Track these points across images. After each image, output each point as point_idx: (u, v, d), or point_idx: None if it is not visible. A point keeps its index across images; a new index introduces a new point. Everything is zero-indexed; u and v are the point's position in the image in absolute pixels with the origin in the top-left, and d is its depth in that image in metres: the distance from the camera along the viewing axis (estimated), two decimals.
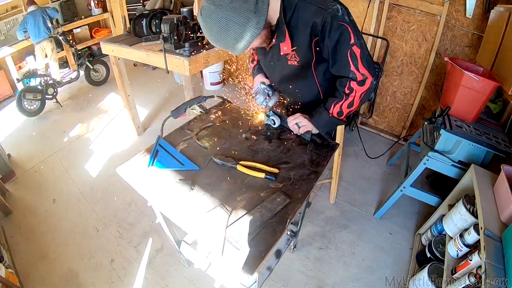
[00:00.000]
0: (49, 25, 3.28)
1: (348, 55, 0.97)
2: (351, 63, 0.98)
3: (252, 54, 1.37)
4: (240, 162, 1.03)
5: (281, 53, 1.07)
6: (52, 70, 3.55)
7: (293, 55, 1.06)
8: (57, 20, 3.57)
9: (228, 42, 0.90)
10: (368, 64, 0.99)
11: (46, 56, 3.47)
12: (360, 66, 0.98)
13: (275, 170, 1.02)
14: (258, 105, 1.26)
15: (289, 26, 1.00)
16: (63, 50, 4.07)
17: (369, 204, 2.12)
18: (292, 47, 1.03)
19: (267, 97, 1.23)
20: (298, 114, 1.18)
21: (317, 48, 1.02)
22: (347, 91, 1.03)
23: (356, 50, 0.96)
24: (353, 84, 1.01)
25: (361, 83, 1.01)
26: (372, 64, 1.01)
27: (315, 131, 1.17)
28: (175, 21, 1.61)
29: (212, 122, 1.28)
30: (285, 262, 1.72)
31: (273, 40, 1.05)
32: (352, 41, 0.95)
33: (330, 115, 1.09)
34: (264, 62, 1.22)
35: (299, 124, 1.17)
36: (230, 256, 0.78)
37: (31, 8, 3.21)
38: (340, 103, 1.06)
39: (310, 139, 1.18)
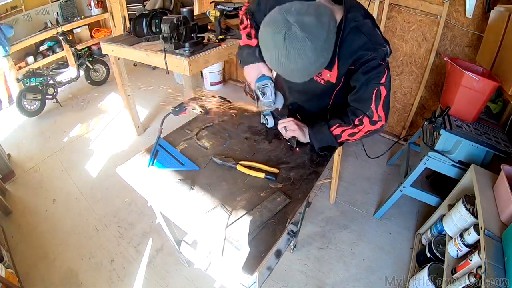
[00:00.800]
0: (5, 43, 3.08)
1: (374, 93, 0.96)
2: (373, 101, 0.97)
3: (247, 24, 1.15)
4: (240, 162, 1.03)
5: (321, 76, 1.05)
6: (12, 88, 3.28)
7: (321, 76, 1.04)
8: (56, 20, 3.58)
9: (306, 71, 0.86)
10: (387, 109, 0.99)
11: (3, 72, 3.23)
12: (380, 108, 0.98)
13: (275, 170, 1.02)
14: (262, 104, 1.13)
15: (338, 53, 0.95)
16: (63, 50, 4.07)
17: (369, 204, 2.12)
18: (338, 70, 1.00)
19: (274, 96, 1.10)
20: (290, 119, 1.13)
21: (346, 76, 1.01)
22: (356, 122, 1.02)
23: (383, 91, 0.96)
24: (366, 119, 1.00)
25: (374, 122, 1.00)
26: (389, 110, 1.00)
27: (302, 139, 1.13)
28: (175, 21, 1.61)
29: (212, 122, 1.28)
30: (285, 262, 1.72)
31: None
32: (383, 81, 0.95)
33: (330, 132, 1.06)
34: None
35: (287, 127, 1.13)
36: (230, 256, 0.78)
37: None
38: (344, 128, 1.04)
39: (295, 146, 1.14)
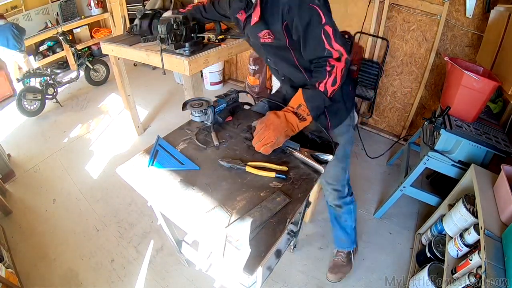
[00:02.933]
0: (17, 40, 3.24)
1: (322, 34, 0.95)
2: (325, 41, 0.96)
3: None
4: (248, 164, 1.02)
5: (251, 24, 1.05)
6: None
7: (266, 34, 1.04)
8: (56, 20, 3.58)
9: None
10: (342, 41, 0.97)
11: (19, 68, 3.45)
12: (334, 43, 0.96)
13: (285, 168, 1.01)
14: None
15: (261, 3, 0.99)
16: (63, 50, 4.07)
17: (369, 204, 2.12)
18: (259, 19, 1.02)
19: None
20: (263, 124, 1.03)
21: (288, 32, 1.01)
22: (328, 68, 0.98)
23: (329, 29, 0.95)
24: (332, 60, 0.99)
25: (338, 59, 0.99)
26: (345, 41, 0.99)
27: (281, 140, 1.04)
28: (171, 22, 1.61)
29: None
30: (285, 262, 1.72)
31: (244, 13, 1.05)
32: (324, 21, 0.94)
33: (317, 89, 1.02)
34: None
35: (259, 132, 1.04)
36: (230, 256, 0.78)
37: (0, 22, 3.16)
38: (324, 81, 1.00)
39: (286, 147, 1.08)
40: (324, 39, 0.96)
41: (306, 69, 1.13)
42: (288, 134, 1.04)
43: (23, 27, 3.38)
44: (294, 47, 1.06)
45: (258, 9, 1.01)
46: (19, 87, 3.18)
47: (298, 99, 1.03)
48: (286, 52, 1.10)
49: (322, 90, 1.00)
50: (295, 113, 1.02)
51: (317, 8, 0.93)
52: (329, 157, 1.03)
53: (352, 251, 1.68)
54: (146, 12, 1.98)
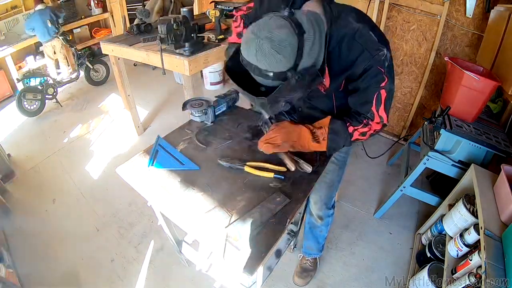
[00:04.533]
0: (56, 25, 3.34)
1: (375, 96, 0.94)
2: (374, 103, 0.95)
3: (240, 23, 1.15)
4: (247, 163, 1.02)
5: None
6: (61, 67, 3.65)
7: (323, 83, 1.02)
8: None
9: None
10: (388, 110, 0.97)
11: (54, 53, 3.54)
12: (381, 110, 0.96)
13: (283, 169, 1.01)
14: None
15: (331, 61, 0.92)
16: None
17: (369, 204, 2.12)
18: (331, 79, 0.97)
19: None
20: (278, 127, 1.03)
21: (347, 82, 0.99)
22: (365, 122, 0.99)
23: (383, 94, 0.93)
24: (371, 121, 0.99)
25: (377, 123, 0.99)
26: (389, 109, 0.99)
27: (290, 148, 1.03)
28: (171, 22, 1.61)
29: (212, 122, 1.27)
30: (285, 262, 1.72)
31: None
32: (383, 84, 0.92)
33: (346, 129, 1.00)
34: None
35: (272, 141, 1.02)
36: (230, 256, 0.78)
37: (39, 6, 3.24)
38: (356, 127, 1.01)
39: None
40: (374, 102, 0.95)
41: (337, 102, 1.11)
42: (295, 146, 1.03)
43: (61, 10, 3.48)
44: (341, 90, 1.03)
45: (327, 78, 0.97)
46: (19, 86, 3.18)
47: (323, 122, 1.03)
48: (327, 99, 1.08)
49: (350, 132, 1.00)
50: (312, 132, 1.02)
51: (383, 71, 0.91)
52: (309, 169, 1.02)
53: (318, 257, 1.69)
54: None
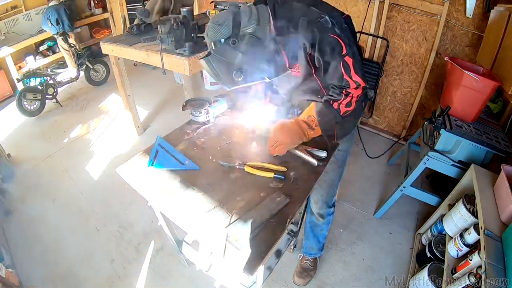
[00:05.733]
0: (70, 20, 3.42)
1: (341, 65, 0.98)
2: (343, 72, 0.98)
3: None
4: (248, 163, 1.02)
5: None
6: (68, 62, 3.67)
7: (297, 67, 1.08)
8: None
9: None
10: (362, 72, 1.00)
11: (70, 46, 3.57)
12: (353, 74, 0.99)
13: (283, 169, 1.02)
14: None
15: (282, 39, 1.00)
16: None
17: (369, 204, 2.12)
18: (288, 58, 1.05)
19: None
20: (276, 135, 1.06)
21: (312, 61, 1.03)
22: (344, 93, 1.03)
23: (349, 60, 0.97)
24: (349, 89, 1.02)
25: (355, 88, 1.02)
26: (363, 71, 1.02)
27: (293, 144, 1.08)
28: (171, 22, 1.61)
29: (213, 122, 1.27)
30: (285, 262, 1.72)
31: None
32: (344, 51, 0.96)
33: (331, 107, 1.04)
34: None
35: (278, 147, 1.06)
36: (230, 256, 0.78)
37: (53, 2, 3.32)
38: (339, 101, 1.03)
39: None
40: (343, 71, 0.98)
41: (325, 86, 1.14)
42: (301, 137, 1.07)
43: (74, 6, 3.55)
44: (318, 71, 1.07)
45: (285, 57, 1.04)
46: (19, 86, 3.18)
47: (309, 111, 1.08)
48: (311, 82, 1.12)
49: (335, 108, 1.03)
50: (305, 122, 1.08)
51: (338, 38, 0.94)
52: (323, 153, 1.06)
53: (319, 256, 1.69)
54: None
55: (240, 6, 0.97)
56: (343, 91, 1.02)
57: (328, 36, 0.94)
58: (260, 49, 0.98)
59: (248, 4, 0.99)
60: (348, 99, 1.03)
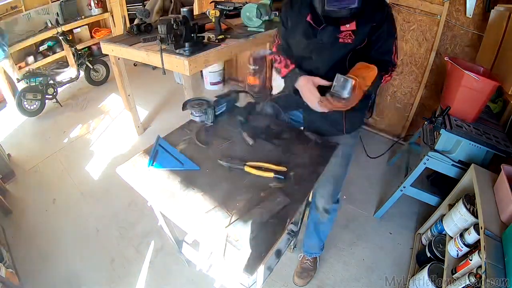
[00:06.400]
0: (4, 46, 3.10)
1: (393, 44, 1.13)
2: (394, 51, 1.14)
3: (281, 58, 1.26)
4: (247, 163, 1.02)
5: (340, 30, 1.09)
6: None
7: (348, 34, 1.09)
8: (56, 20, 3.57)
9: None
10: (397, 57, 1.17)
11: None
12: (395, 57, 1.16)
13: (283, 169, 1.02)
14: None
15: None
16: (63, 50, 4.06)
17: (369, 204, 2.12)
18: (357, 26, 1.08)
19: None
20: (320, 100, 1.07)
21: (371, 33, 1.10)
22: (390, 69, 1.15)
23: (395, 42, 1.14)
24: (393, 68, 1.16)
25: (393, 71, 1.17)
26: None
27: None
28: (171, 22, 1.61)
29: (212, 122, 1.27)
30: (285, 262, 1.72)
31: None
32: (396, 34, 1.14)
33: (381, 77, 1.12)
34: (304, 45, 1.17)
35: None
36: (230, 256, 0.78)
37: None
38: (386, 77, 1.14)
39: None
40: (394, 50, 1.14)
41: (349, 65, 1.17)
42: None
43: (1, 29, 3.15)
44: (364, 48, 1.13)
45: (354, 24, 1.08)
46: (19, 86, 3.18)
47: (370, 76, 1.06)
48: (345, 51, 1.13)
49: (384, 79, 1.14)
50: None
51: (394, 21, 1.12)
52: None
53: (319, 256, 1.69)
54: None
55: None
56: (389, 68, 1.14)
57: (391, 20, 1.10)
58: None
59: None
60: (388, 77, 1.16)
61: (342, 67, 1.15)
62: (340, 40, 1.10)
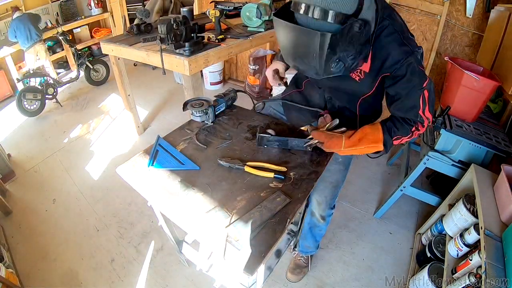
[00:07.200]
0: (38, 30, 3.31)
1: (420, 98, 0.94)
2: (421, 106, 0.95)
3: None
4: (247, 163, 1.02)
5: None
6: (49, 71, 3.59)
7: (359, 71, 0.99)
8: (56, 20, 3.58)
9: None
10: (433, 108, 0.98)
11: (38, 58, 3.49)
12: (427, 111, 0.96)
13: (283, 169, 1.02)
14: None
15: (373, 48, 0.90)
16: (63, 50, 4.07)
17: (369, 204, 2.12)
18: (369, 69, 0.96)
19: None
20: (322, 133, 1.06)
21: (381, 84, 0.98)
22: (413, 130, 1.00)
23: (426, 94, 0.94)
24: (420, 126, 0.99)
25: (423, 127, 1.00)
26: (433, 107, 0.99)
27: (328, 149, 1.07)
28: (171, 22, 1.61)
29: (213, 122, 1.27)
30: (285, 262, 1.72)
31: None
32: (425, 84, 0.92)
33: (392, 141, 1.02)
34: None
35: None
36: (231, 256, 0.78)
37: (17, 14, 3.25)
38: (402, 138, 1.02)
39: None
40: (421, 104, 0.94)
41: (360, 113, 1.15)
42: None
43: (38, 16, 3.44)
44: (373, 94, 1.04)
45: (369, 62, 0.95)
46: (19, 86, 3.18)
47: (376, 138, 1.02)
48: (357, 90, 1.07)
49: (394, 144, 1.03)
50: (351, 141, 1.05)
51: (423, 70, 0.91)
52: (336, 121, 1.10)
53: (313, 254, 1.70)
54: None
55: None
56: (413, 129, 0.98)
57: (418, 69, 0.90)
58: (367, 41, 0.84)
59: None
60: (412, 137, 1.01)
61: (351, 105, 1.15)
62: (351, 74, 1.01)
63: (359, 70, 0.98)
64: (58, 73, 3.67)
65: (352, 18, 0.74)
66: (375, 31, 0.86)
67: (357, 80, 1.01)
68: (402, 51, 0.88)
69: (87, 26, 4.27)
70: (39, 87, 3.15)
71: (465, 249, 1.29)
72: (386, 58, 0.90)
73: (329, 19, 0.73)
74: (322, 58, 0.77)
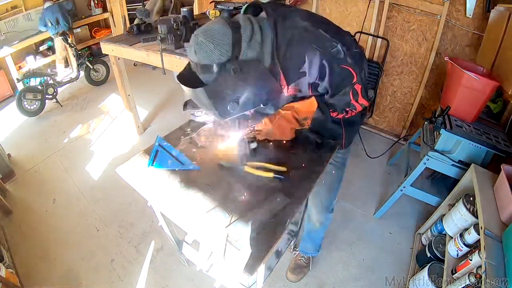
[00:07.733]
0: (66, 19, 3.43)
1: (350, 93, 0.95)
2: (352, 98, 0.97)
3: None
4: (247, 163, 1.02)
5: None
6: (71, 61, 3.68)
7: (292, 89, 1.00)
8: (56, 20, 3.58)
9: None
10: (367, 94, 0.99)
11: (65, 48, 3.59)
12: (360, 99, 0.98)
13: (283, 169, 1.01)
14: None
15: (284, 64, 0.90)
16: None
17: (369, 204, 2.12)
18: (288, 85, 0.96)
19: None
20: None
21: (314, 87, 0.99)
22: (347, 110, 1.03)
23: (358, 87, 0.94)
24: (353, 110, 1.03)
25: (357, 110, 1.04)
26: (367, 92, 1.00)
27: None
28: (172, 22, 1.61)
29: (212, 122, 1.27)
30: (285, 262, 1.72)
31: None
32: (355, 80, 0.92)
33: (328, 115, 1.05)
34: None
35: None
36: (231, 256, 0.78)
37: (48, 3, 3.33)
38: (338, 115, 1.06)
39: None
40: (352, 97, 0.96)
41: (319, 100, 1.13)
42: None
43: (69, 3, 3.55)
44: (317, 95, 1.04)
45: (283, 80, 0.95)
46: (19, 86, 3.19)
47: (309, 111, 1.05)
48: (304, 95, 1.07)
49: (333, 116, 1.06)
50: (297, 120, 1.08)
51: (349, 68, 0.89)
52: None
53: (314, 256, 1.70)
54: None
55: (235, 19, 0.83)
56: (347, 109, 1.02)
57: (341, 68, 0.88)
58: (263, 77, 0.86)
59: (247, 16, 0.86)
60: (348, 114, 1.05)
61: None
62: (287, 93, 1.02)
63: (284, 87, 0.97)
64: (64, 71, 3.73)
65: (231, 62, 0.79)
66: (278, 47, 0.86)
67: (293, 93, 1.02)
68: (312, 54, 0.86)
69: (87, 26, 4.27)
70: (39, 87, 3.15)
71: (465, 249, 1.29)
72: (300, 66, 0.89)
73: (211, 71, 0.80)
74: (212, 106, 0.84)
